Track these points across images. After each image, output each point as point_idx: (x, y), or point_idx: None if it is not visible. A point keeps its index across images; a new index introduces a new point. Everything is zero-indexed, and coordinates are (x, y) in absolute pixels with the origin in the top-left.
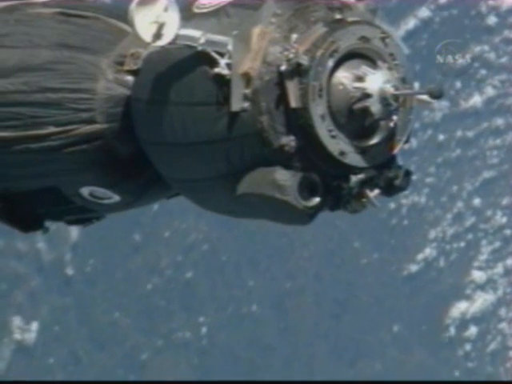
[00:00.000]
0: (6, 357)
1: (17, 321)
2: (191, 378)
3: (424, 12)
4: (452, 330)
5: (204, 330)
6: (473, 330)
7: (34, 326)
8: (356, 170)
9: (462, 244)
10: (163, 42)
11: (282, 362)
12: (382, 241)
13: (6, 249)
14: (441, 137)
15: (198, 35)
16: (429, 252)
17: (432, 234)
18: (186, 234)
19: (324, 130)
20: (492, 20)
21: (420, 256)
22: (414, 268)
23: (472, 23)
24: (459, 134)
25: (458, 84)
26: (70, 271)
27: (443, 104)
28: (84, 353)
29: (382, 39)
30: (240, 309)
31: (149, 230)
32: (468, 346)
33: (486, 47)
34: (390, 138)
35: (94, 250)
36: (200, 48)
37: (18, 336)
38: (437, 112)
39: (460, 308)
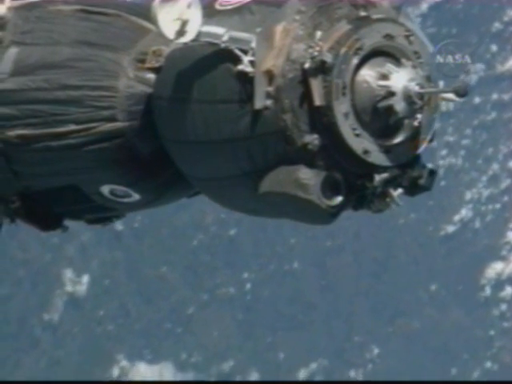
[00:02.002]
0: (58, 308)
1: (68, 273)
2: (236, 333)
3: None
4: (488, 290)
5: (248, 285)
6: (508, 291)
7: (85, 278)
8: (380, 169)
9: (498, 206)
10: (186, 38)
11: (323, 319)
12: (419, 202)
13: None
14: (477, 99)
15: (221, 32)
16: (465, 213)
17: (468, 195)
18: None
19: (348, 128)
20: None
21: (456, 217)
22: (450, 229)
23: None
24: (495, 96)
25: (494, 47)
26: (119, 226)
27: (479, 67)
28: (132, 306)
29: (407, 37)
30: (282, 266)
31: None
32: (503, 306)
33: None
34: (415, 136)
35: None
36: (223, 45)
37: (69, 288)
38: (473, 75)
39: (496, 269)
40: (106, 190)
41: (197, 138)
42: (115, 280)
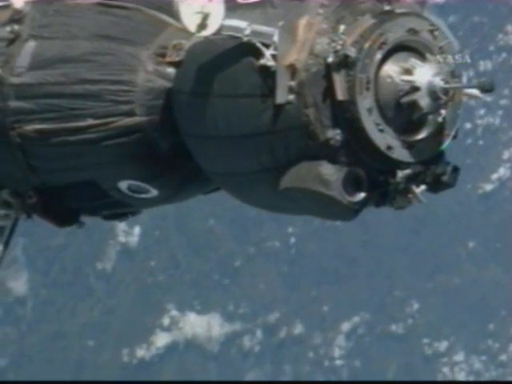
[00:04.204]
0: (111, 257)
1: (121, 224)
2: (281, 286)
3: None
4: None
5: (293, 240)
6: None
7: (137, 230)
8: (403, 165)
9: None
10: (208, 32)
11: (365, 273)
12: (457, 160)
13: None
14: None
15: (243, 26)
16: (503, 172)
17: (506, 154)
18: None
19: (371, 123)
20: None
21: (494, 176)
22: (488, 187)
23: None
24: None
25: None
26: None
27: None
28: (182, 257)
29: (431, 32)
30: (326, 221)
31: None
32: None
33: None
34: (439, 132)
35: None
36: (245, 39)
37: (122, 239)
38: (511, 36)
39: None
40: (123, 185)
41: (218, 132)
42: (165, 232)
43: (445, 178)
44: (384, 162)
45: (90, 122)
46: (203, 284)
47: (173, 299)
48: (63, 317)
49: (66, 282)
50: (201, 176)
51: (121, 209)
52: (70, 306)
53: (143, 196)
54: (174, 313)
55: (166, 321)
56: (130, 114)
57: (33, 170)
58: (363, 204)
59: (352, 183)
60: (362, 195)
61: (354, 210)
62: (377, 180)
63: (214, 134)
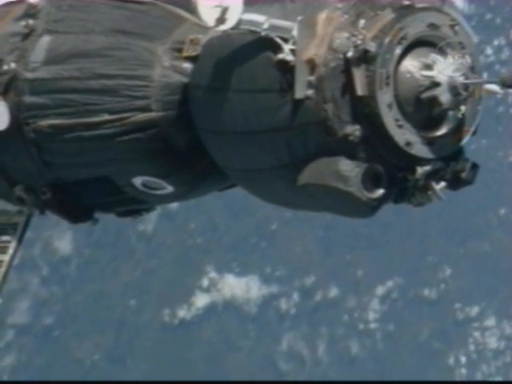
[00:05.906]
0: (152, 219)
1: None
2: (317, 250)
3: None
4: None
5: None
6: None
7: None
8: (422, 161)
9: None
10: (226, 26)
11: (398, 239)
12: (489, 128)
13: None
14: None
15: (261, 20)
16: None
17: None
18: None
19: (391, 119)
20: None
21: None
22: None
23: None
24: None
25: None
26: None
27: None
28: (220, 220)
29: (452, 27)
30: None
31: None
32: None
33: None
34: (458, 129)
35: None
36: (263, 33)
37: None
38: None
39: None
40: (138, 181)
41: (235, 128)
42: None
43: (464, 175)
44: (403, 158)
45: (106, 117)
46: (241, 247)
47: (211, 261)
48: (106, 276)
49: (108, 243)
50: (217, 172)
51: (135, 205)
52: (113, 267)
53: (158, 192)
54: (213, 274)
55: (205, 282)
56: (146, 109)
57: (47, 166)
58: (382, 200)
59: (371, 179)
60: (380, 192)
61: (372, 207)
62: (396, 176)
63: (231, 130)
